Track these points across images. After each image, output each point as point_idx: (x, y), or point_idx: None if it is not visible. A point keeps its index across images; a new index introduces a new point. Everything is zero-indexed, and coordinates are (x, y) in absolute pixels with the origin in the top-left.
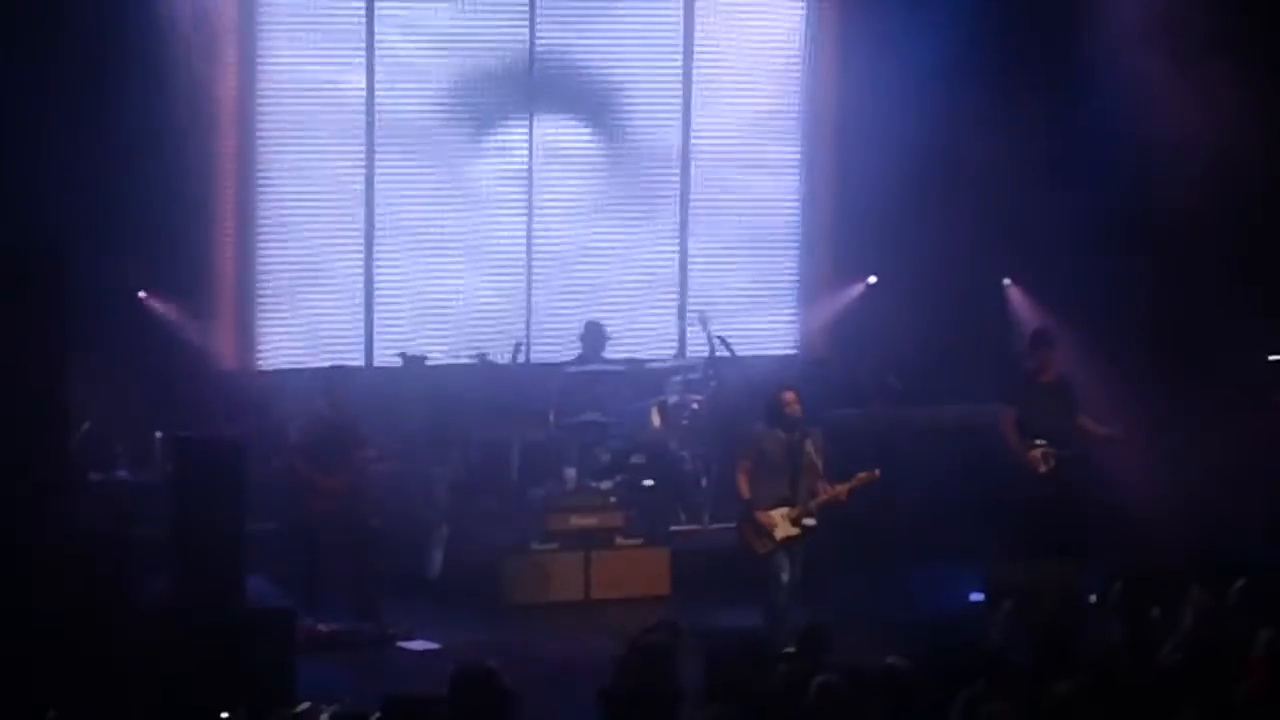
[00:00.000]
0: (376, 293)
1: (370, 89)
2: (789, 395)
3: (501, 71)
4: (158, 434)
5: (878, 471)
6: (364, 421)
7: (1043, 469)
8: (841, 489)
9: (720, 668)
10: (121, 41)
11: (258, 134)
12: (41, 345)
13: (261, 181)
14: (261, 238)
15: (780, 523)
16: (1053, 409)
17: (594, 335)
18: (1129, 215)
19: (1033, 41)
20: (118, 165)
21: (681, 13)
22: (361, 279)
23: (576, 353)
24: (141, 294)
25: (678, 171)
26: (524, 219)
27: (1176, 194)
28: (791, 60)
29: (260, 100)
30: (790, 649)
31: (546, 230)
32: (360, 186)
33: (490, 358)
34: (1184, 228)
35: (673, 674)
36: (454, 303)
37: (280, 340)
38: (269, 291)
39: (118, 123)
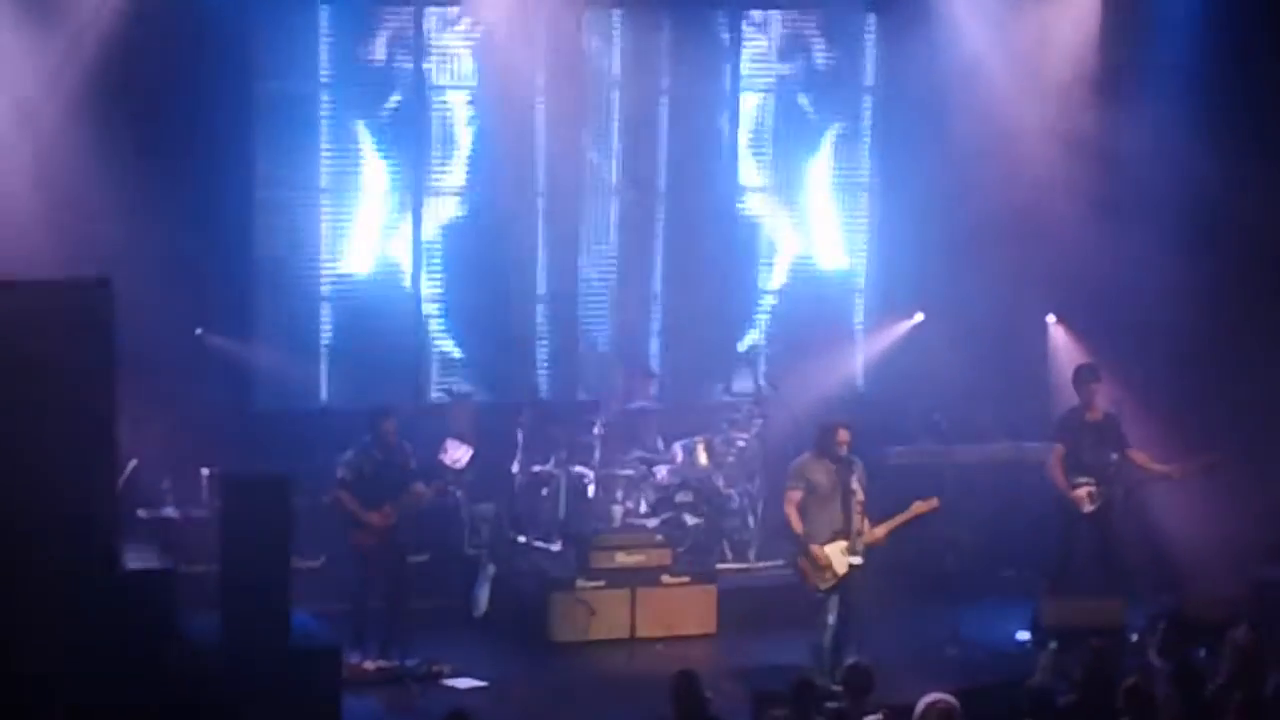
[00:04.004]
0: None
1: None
2: (843, 433)
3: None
4: (205, 471)
5: (937, 501)
6: (414, 456)
7: (1088, 508)
8: (882, 530)
9: (766, 706)
10: (184, 89)
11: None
12: (92, 382)
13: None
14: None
15: (838, 557)
16: (1099, 445)
17: (640, 372)
18: (1173, 252)
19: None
20: (172, 205)
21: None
22: (412, 316)
23: (622, 389)
24: (199, 330)
25: (730, 214)
26: (572, 255)
27: (1219, 229)
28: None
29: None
30: (835, 688)
31: (595, 265)
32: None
33: (537, 394)
34: (1229, 262)
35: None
36: (502, 340)
37: (331, 377)
38: (320, 328)
39: (177, 160)
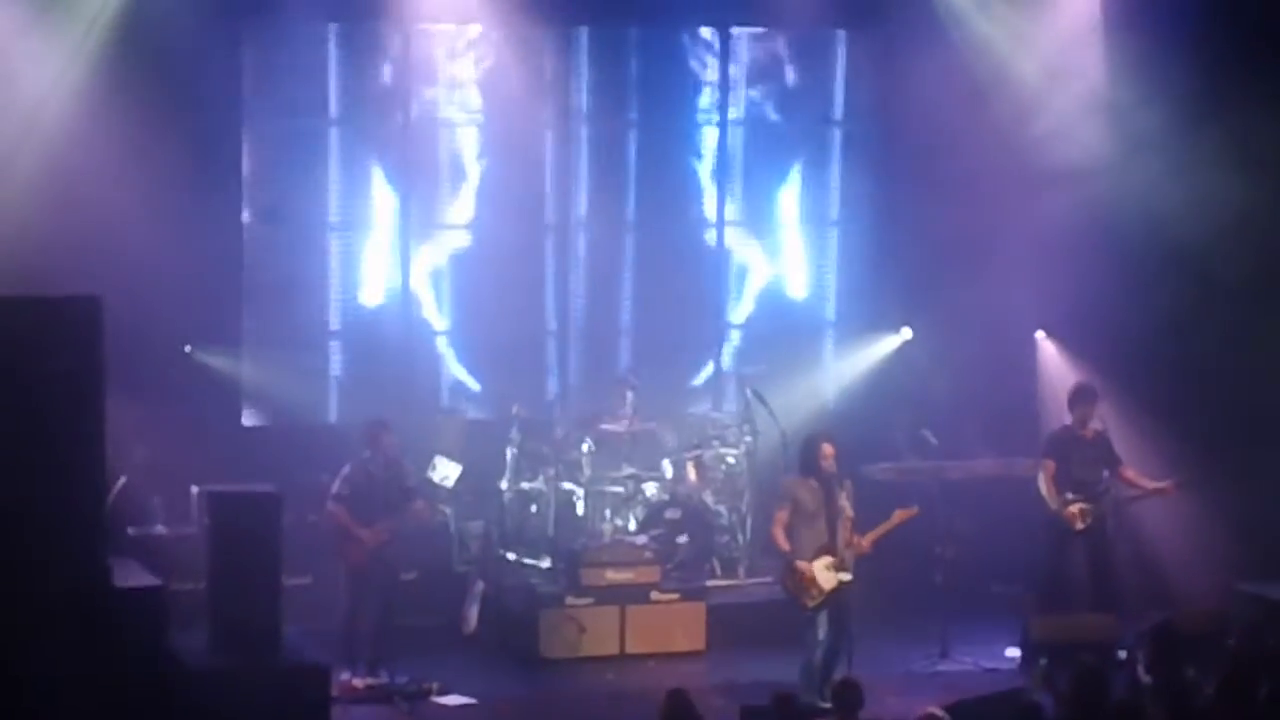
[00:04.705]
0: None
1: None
2: (828, 448)
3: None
4: (194, 488)
5: (917, 508)
6: (411, 474)
7: (1080, 525)
8: (868, 540)
9: None
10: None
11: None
12: (80, 399)
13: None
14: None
15: (823, 573)
16: (1091, 463)
17: (631, 389)
18: (1155, 270)
19: None
20: (166, 222)
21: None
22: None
23: (612, 406)
24: (188, 348)
25: (714, 229)
26: (563, 273)
27: (1210, 247)
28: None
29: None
30: (825, 705)
31: (582, 283)
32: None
33: (525, 412)
34: (1214, 280)
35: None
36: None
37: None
38: (313, 345)
39: (172, 177)
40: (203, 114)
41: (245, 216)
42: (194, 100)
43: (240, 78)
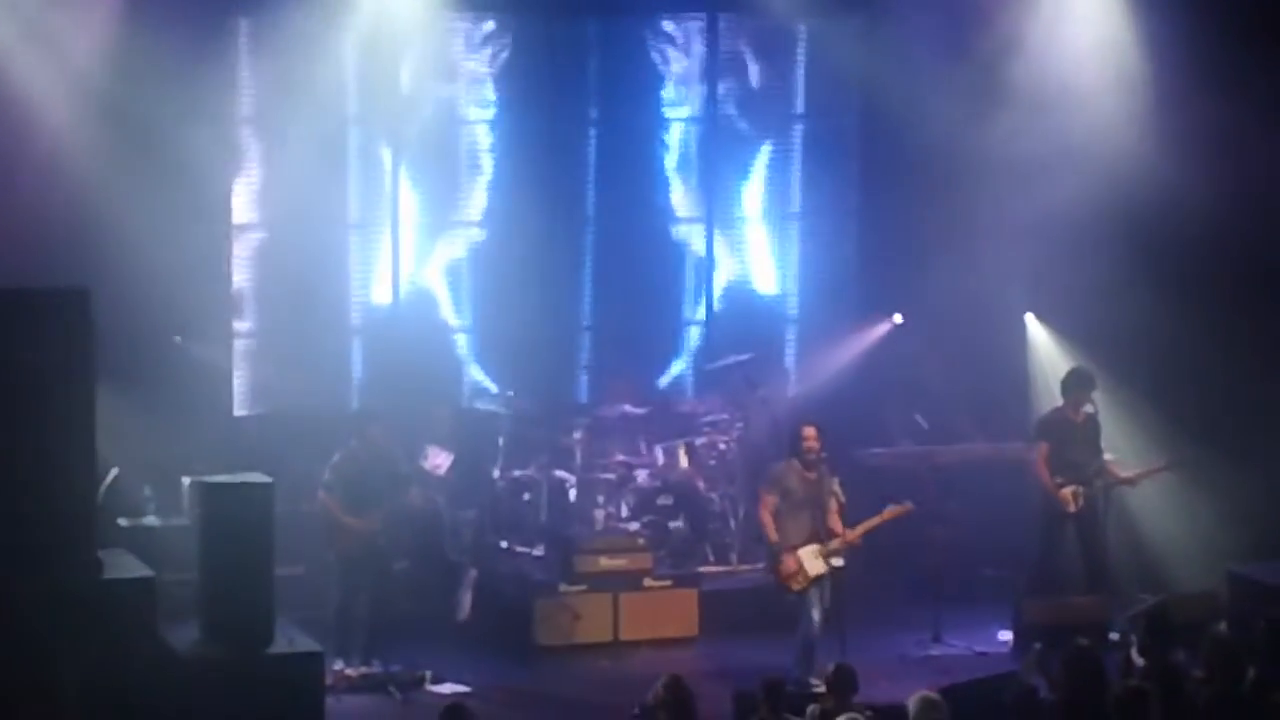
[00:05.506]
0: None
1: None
2: (809, 430)
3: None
4: (185, 479)
5: (910, 505)
6: (403, 462)
7: (1072, 508)
8: (856, 533)
9: (750, 708)
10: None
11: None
12: (71, 390)
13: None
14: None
15: (810, 560)
16: (1083, 445)
17: (623, 377)
18: (1151, 250)
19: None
20: (150, 212)
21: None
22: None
23: (604, 394)
24: (177, 338)
25: (702, 221)
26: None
27: (1199, 230)
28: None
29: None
30: (819, 688)
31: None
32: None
33: (517, 399)
34: (1205, 261)
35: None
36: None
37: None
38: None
39: (158, 168)
40: (199, 109)
41: (240, 212)
42: (192, 92)
43: (237, 70)
